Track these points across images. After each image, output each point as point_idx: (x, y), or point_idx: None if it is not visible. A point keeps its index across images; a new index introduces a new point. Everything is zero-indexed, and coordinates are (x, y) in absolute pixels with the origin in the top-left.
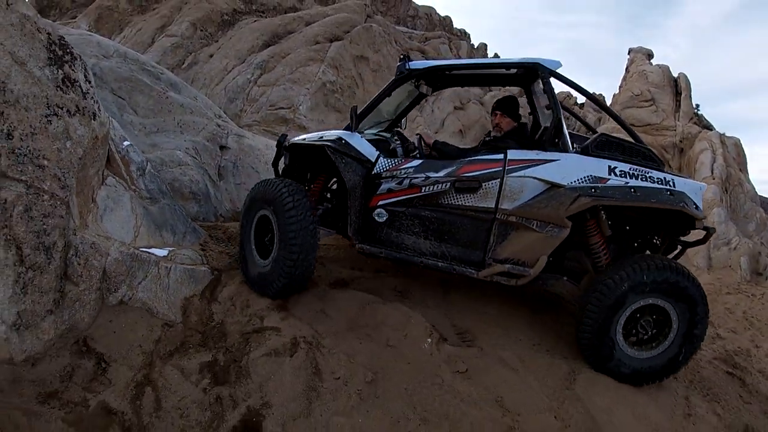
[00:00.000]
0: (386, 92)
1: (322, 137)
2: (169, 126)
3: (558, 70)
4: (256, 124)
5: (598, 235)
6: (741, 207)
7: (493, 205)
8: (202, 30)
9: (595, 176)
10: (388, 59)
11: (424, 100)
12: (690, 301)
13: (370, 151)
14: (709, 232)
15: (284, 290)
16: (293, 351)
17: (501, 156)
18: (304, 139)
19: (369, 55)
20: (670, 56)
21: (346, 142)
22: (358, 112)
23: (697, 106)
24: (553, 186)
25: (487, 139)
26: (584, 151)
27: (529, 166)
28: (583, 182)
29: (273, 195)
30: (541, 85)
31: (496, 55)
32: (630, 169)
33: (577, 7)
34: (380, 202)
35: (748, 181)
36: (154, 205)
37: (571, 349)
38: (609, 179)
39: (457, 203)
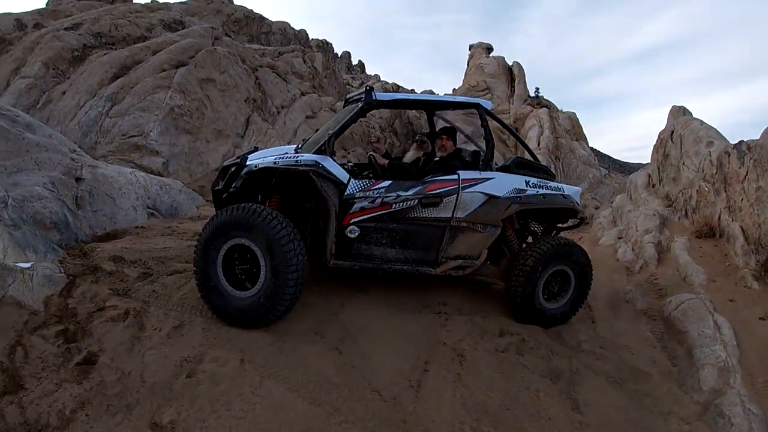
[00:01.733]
0: (353, 119)
1: (297, 160)
2: (27, 165)
3: (489, 108)
4: (111, 154)
5: (511, 229)
6: (574, 170)
7: (450, 215)
8: (54, 68)
9: (518, 188)
10: (236, 78)
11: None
12: (581, 265)
13: (343, 174)
14: (583, 219)
15: (275, 320)
16: (125, 317)
17: (456, 177)
18: (277, 164)
19: (215, 77)
20: (527, 47)
21: (323, 166)
22: (332, 137)
23: (537, 89)
24: (492, 197)
25: (436, 159)
26: (506, 170)
27: (476, 184)
28: (511, 193)
29: (260, 225)
30: (480, 121)
31: (360, 62)
32: (538, 181)
33: (437, 8)
34: (353, 220)
35: (584, 148)
36: (17, 231)
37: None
38: (527, 190)
39: (421, 216)
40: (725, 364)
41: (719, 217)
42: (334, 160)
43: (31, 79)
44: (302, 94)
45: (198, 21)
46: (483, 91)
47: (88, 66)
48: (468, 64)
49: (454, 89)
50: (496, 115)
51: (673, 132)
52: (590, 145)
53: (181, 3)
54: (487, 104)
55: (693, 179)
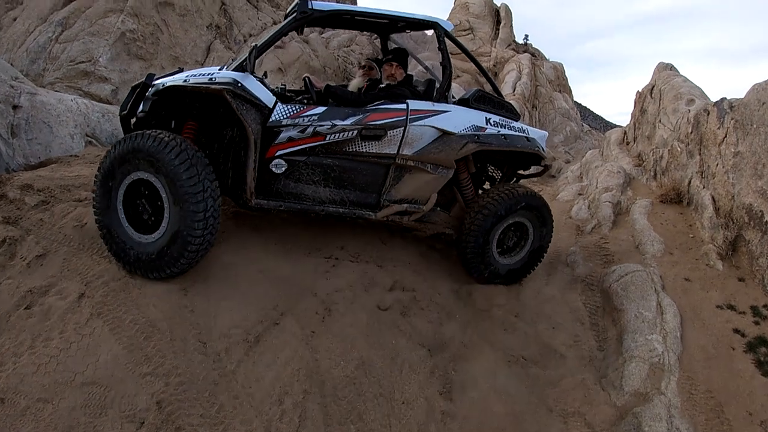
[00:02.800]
0: (283, 32)
1: (212, 78)
2: None
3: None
4: (58, 81)
5: (466, 173)
6: (551, 121)
7: (395, 151)
8: None
9: (477, 125)
10: (198, 3)
11: (240, 40)
12: (542, 218)
13: (268, 97)
14: (548, 167)
15: (187, 269)
16: (1, 245)
17: (404, 106)
18: (187, 81)
19: (174, 1)
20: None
21: (243, 86)
22: (254, 51)
23: (526, 36)
24: (445, 134)
25: (382, 86)
26: (464, 103)
27: (428, 116)
28: (468, 131)
29: (159, 154)
30: (437, 44)
31: None
32: (500, 120)
33: None
34: (279, 152)
35: (566, 101)
36: None
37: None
38: (487, 128)
39: (361, 150)
40: (660, 360)
41: (689, 182)
42: (260, 80)
43: None
44: (275, 23)
45: None
46: (465, 31)
47: None
48: (454, 2)
49: None
50: (456, 38)
51: (653, 87)
52: (584, 104)
53: None
54: (447, 24)
55: (667, 138)
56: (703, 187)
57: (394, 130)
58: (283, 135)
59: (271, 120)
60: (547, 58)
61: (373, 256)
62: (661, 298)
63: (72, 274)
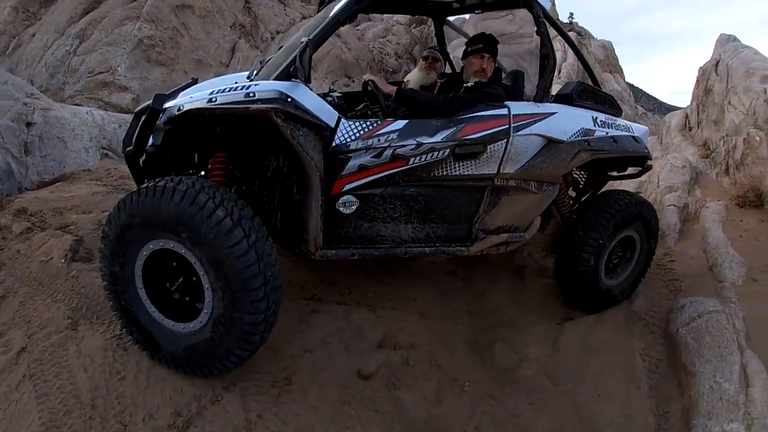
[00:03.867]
0: (338, 20)
1: (249, 93)
2: None
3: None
4: (78, 93)
5: (563, 183)
6: None
7: (495, 171)
8: (23, 12)
9: (585, 129)
10: (219, 3)
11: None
12: (651, 228)
13: (328, 112)
14: (647, 168)
15: (243, 362)
16: None
17: (505, 111)
18: (213, 101)
19: (193, 3)
20: None
21: (295, 102)
22: (308, 48)
23: (571, 14)
24: (552, 142)
25: (468, 84)
26: (566, 100)
27: (532, 122)
28: (577, 136)
29: (194, 223)
30: (535, 26)
31: None
32: (606, 119)
33: None
34: (348, 186)
35: (618, 82)
36: None
37: None
38: (595, 131)
39: (453, 173)
40: None
41: None
42: (311, 89)
43: (1, 25)
44: (304, 17)
45: None
46: (504, 11)
47: (59, 4)
48: None
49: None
50: (554, 18)
51: (718, 62)
52: (636, 85)
53: None
54: (544, 2)
55: (740, 124)
56: None
57: (496, 144)
58: (353, 163)
59: (334, 144)
60: (594, 36)
61: (368, 294)
62: (746, 357)
63: (21, 322)
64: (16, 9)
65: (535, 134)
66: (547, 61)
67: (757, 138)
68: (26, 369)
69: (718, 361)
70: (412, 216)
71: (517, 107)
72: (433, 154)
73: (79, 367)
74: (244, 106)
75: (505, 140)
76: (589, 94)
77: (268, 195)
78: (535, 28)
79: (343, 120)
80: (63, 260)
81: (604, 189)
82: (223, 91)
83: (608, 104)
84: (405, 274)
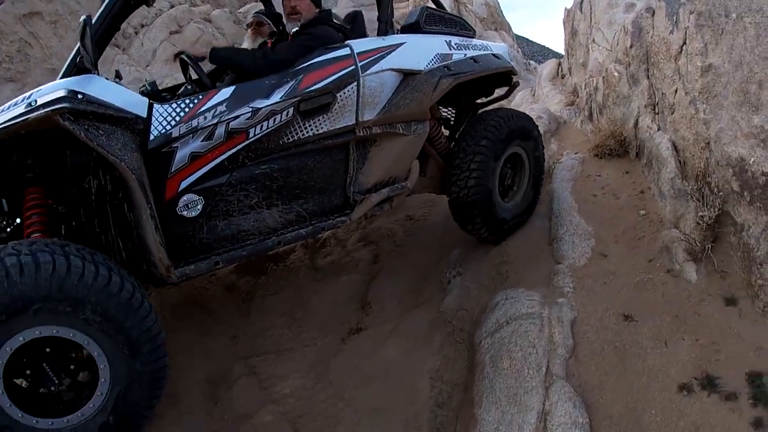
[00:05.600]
0: None
1: (31, 102)
2: None
3: None
4: None
5: (433, 119)
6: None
7: (353, 120)
8: None
9: (441, 54)
10: (71, 5)
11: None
12: (535, 140)
13: (132, 100)
14: (514, 85)
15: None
16: None
17: (347, 50)
18: None
19: (41, 9)
20: None
21: (89, 97)
22: (86, 31)
23: None
24: (409, 75)
25: (293, 31)
26: (414, 29)
27: (382, 57)
28: (435, 63)
29: (59, 286)
30: None
31: None
32: (461, 41)
33: None
34: (183, 183)
35: (504, 39)
36: None
37: None
38: (453, 54)
39: (306, 135)
40: None
41: (636, 122)
42: (108, 78)
43: None
44: (172, 6)
45: None
46: None
47: None
48: None
49: None
50: None
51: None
52: (535, 40)
53: None
54: None
55: (604, 62)
56: (657, 129)
57: (345, 89)
58: (181, 153)
59: (152, 137)
60: None
61: None
62: (553, 399)
63: None
64: None
65: (388, 69)
66: None
67: (615, 73)
68: None
69: (509, 404)
70: (273, 198)
71: (359, 44)
72: (274, 119)
73: None
74: (23, 119)
75: (355, 83)
76: (436, 18)
77: (101, 223)
78: None
79: (156, 106)
80: None
81: None
82: (5, 109)
83: (459, 26)
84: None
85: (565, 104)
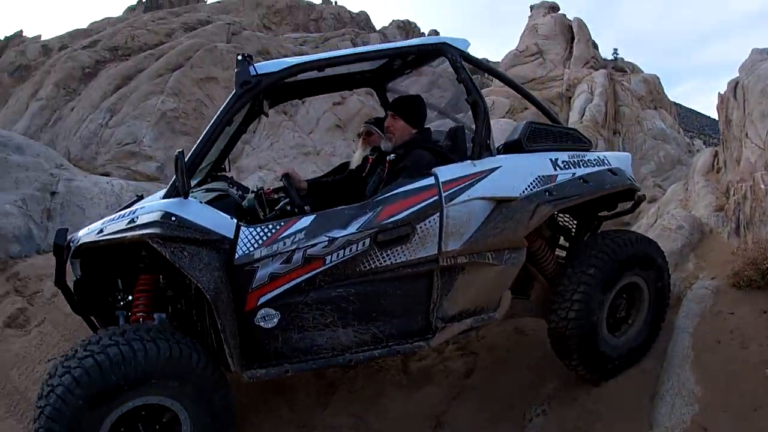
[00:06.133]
0: (225, 118)
1: (133, 218)
2: (6, 185)
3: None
4: (108, 162)
5: (539, 240)
6: (638, 147)
7: (435, 251)
8: (64, 88)
9: (543, 176)
10: None
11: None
12: (658, 269)
13: (222, 222)
14: (641, 199)
15: None
16: None
17: (431, 180)
18: (102, 232)
19: (217, 74)
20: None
21: (181, 219)
22: (187, 157)
23: (615, 50)
24: (502, 202)
25: (390, 158)
26: (515, 148)
27: (471, 184)
28: (534, 187)
29: (162, 367)
30: (455, 74)
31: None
32: (569, 157)
33: None
34: (262, 299)
35: (663, 119)
36: None
37: None
38: (557, 174)
39: (383, 264)
40: None
41: None
42: (221, 190)
43: (44, 101)
44: None
45: (229, 18)
46: (532, 56)
47: (95, 81)
48: (524, 29)
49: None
50: (478, 59)
51: (737, 84)
52: (700, 110)
53: (217, 2)
54: (460, 43)
55: (755, 163)
56: None
57: (427, 221)
58: (262, 273)
59: (237, 255)
60: (642, 71)
61: None
62: None
63: None
64: (57, 86)
65: (477, 198)
66: (477, 109)
67: (762, 185)
68: None
69: None
70: (349, 319)
71: (446, 172)
72: (350, 248)
73: None
74: (122, 235)
75: (438, 214)
76: (543, 133)
77: (198, 313)
78: (456, 76)
79: (243, 228)
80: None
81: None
82: (114, 220)
83: (571, 139)
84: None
85: (715, 208)
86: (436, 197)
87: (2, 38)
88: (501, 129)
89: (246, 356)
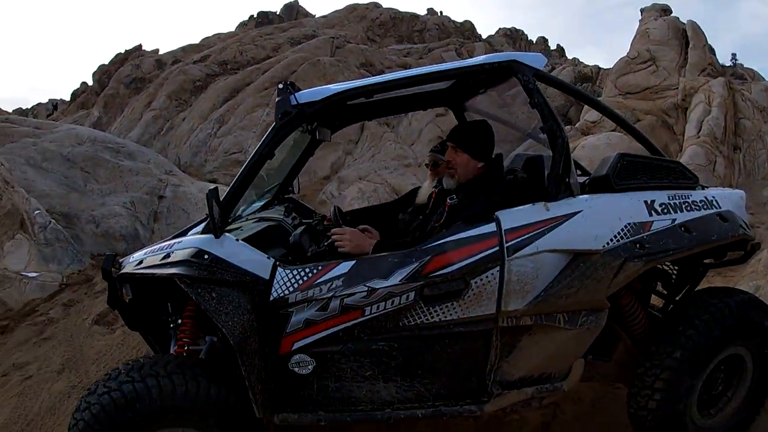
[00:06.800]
0: (266, 153)
1: (169, 253)
2: (118, 188)
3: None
4: (216, 170)
5: (628, 294)
6: (760, 166)
7: (493, 310)
8: (176, 99)
9: (635, 223)
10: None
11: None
12: (765, 337)
13: (258, 262)
14: (753, 249)
15: None
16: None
17: (492, 227)
18: (141, 264)
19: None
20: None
21: (214, 258)
22: (222, 198)
23: (734, 55)
24: (580, 256)
25: (452, 202)
26: (603, 185)
27: (542, 233)
28: (623, 237)
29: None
30: (528, 97)
31: (559, 47)
32: (670, 197)
33: None
34: (297, 344)
35: None
36: (48, 248)
37: None
38: (653, 221)
39: (431, 320)
40: None
41: None
42: (238, 238)
43: (157, 111)
44: None
45: (334, 32)
46: (644, 63)
47: (205, 94)
48: (635, 34)
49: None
50: (555, 78)
51: None
52: None
53: (322, 17)
54: (535, 60)
55: None
56: None
57: (483, 276)
58: (297, 318)
59: (272, 298)
60: (763, 78)
61: None
62: None
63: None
64: (170, 97)
65: (548, 250)
66: (554, 140)
67: None
68: None
69: None
70: (390, 373)
71: (511, 217)
72: (393, 301)
73: None
74: (153, 271)
75: (498, 268)
76: (638, 167)
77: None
78: (529, 100)
79: (279, 269)
80: (89, 321)
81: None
82: (154, 252)
83: (673, 175)
84: None
85: None
86: (497, 248)
87: (123, 51)
88: (610, 144)
89: (280, 399)
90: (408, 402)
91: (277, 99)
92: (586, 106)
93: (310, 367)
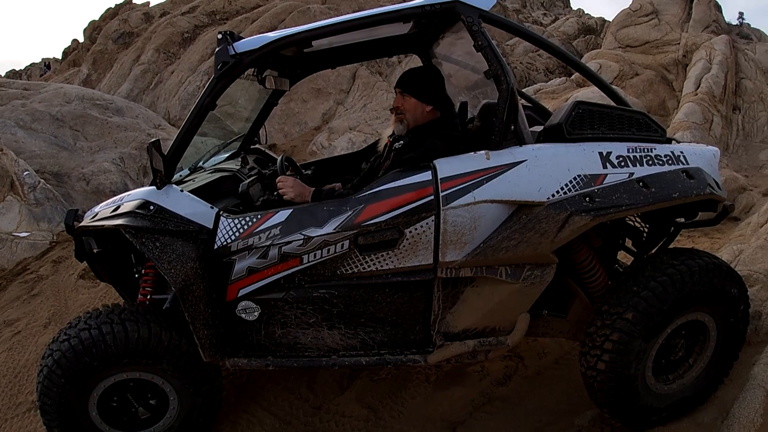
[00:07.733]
0: (209, 101)
1: (119, 205)
2: (107, 144)
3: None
4: (206, 123)
5: (585, 250)
6: (759, 129)
7: (430, 260)
8: (164, 52)
9: (586, 175)
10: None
11: (393, 62)
12: (732, 304)
13: (201, 212)
14: (727, 210)
15: None
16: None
17: (427, 175)
18: (96, 216)
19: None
20: None
21: (158, 209)
22: (166, 151)
23: (741, 14)
24: (524, 207)
25: (397, 146)
26: (554, 135)
27: (480, 182)
28: (570, 190)
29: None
30: (472, 40)
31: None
32: (629, 150)
33: None
34: (242, 291)
35: None
36: (38, 207)
37: None
38: (606, 174)
39: (368, 269)
40: None
41: None
42: (183, 188)
43: (145, 65)
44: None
45: None
46: (646, 16)
47: (194, 46)
48: None
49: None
50: (502, 18)
51: None
52: None
53: None
54: (479, 1)
55: None
56: None
57: (418, 225)
58: (240, 265)
59: (216, 246)
60: None
61: None
62: None
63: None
64: (158, 51)
65: (486, 201)
66: (499, 86)
67: None
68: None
69: None
70: (333, 321)
71: (448, 165)
72: (328, 249)
73: None
74: (103, 223)
75: (433, 218)
76: (595, 117)
77: None
78: (474, 42)
79: (222, 219)
80: (75, 275)
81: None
82: (108, 204)
83: (636, 126)
84: None
85: None
86: (432, 197)
87: (113, 6)
88: (604, 96)
89: (232, 344)
90: (353, 349)
91: (216, 49)
92: (586, 56)
93: (255, 313)
